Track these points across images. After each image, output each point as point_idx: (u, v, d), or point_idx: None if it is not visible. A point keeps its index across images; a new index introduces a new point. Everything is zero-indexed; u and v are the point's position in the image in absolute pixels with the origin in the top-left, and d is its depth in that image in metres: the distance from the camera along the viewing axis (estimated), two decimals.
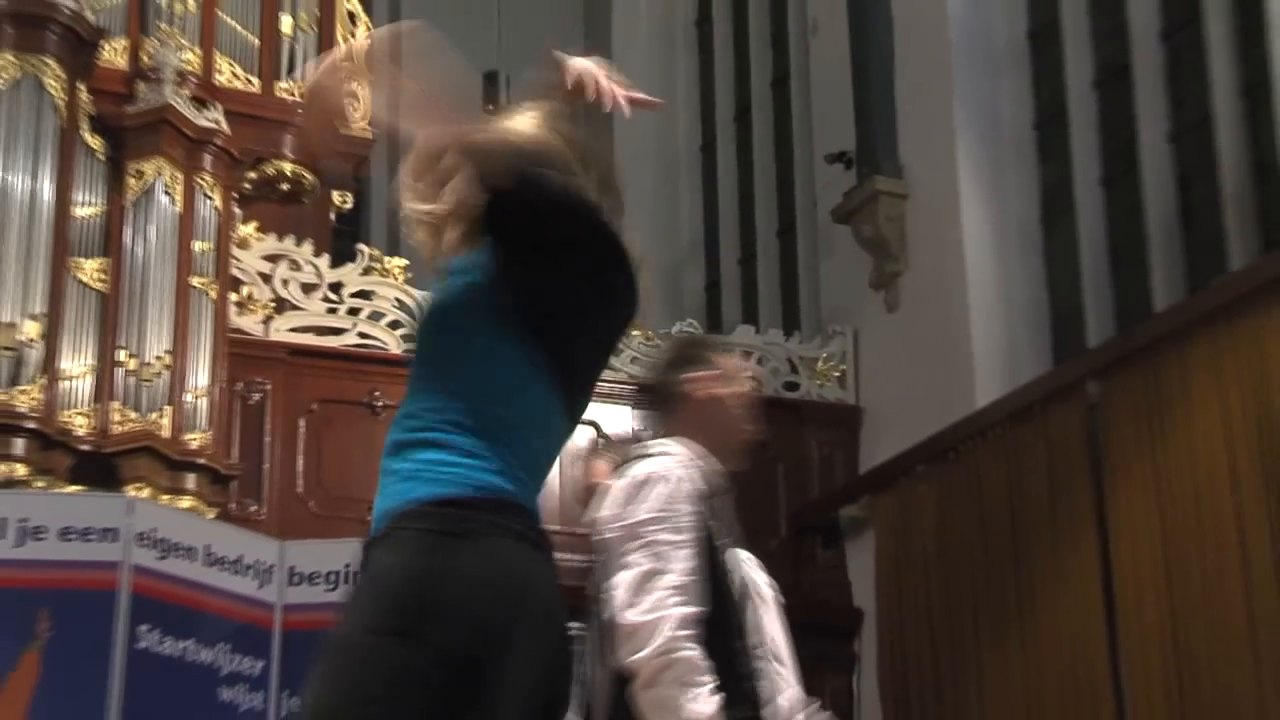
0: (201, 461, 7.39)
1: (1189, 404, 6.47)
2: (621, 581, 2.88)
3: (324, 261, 8.17)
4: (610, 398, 8.47)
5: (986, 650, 7.26)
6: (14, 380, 7.09)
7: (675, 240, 10.81)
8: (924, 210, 8.37)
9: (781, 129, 10.31)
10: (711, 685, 2.83)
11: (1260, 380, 6.17)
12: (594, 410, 8.31)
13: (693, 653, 2.83)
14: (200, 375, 7.50)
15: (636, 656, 2.83)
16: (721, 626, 2.96)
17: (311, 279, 8.11)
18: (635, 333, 8.74)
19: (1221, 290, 6.53)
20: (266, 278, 8.09)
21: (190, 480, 7.35)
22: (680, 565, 2.89)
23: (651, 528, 2.90)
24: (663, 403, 3.11)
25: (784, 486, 8.61)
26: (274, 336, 7.93)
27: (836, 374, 8.83)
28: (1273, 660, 5.94)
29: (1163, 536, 6.47)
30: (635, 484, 2.96)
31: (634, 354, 8.69)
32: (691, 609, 2.88)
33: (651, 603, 2.84)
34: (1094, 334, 7.68)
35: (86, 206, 7.59)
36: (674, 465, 3.00)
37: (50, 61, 7.50)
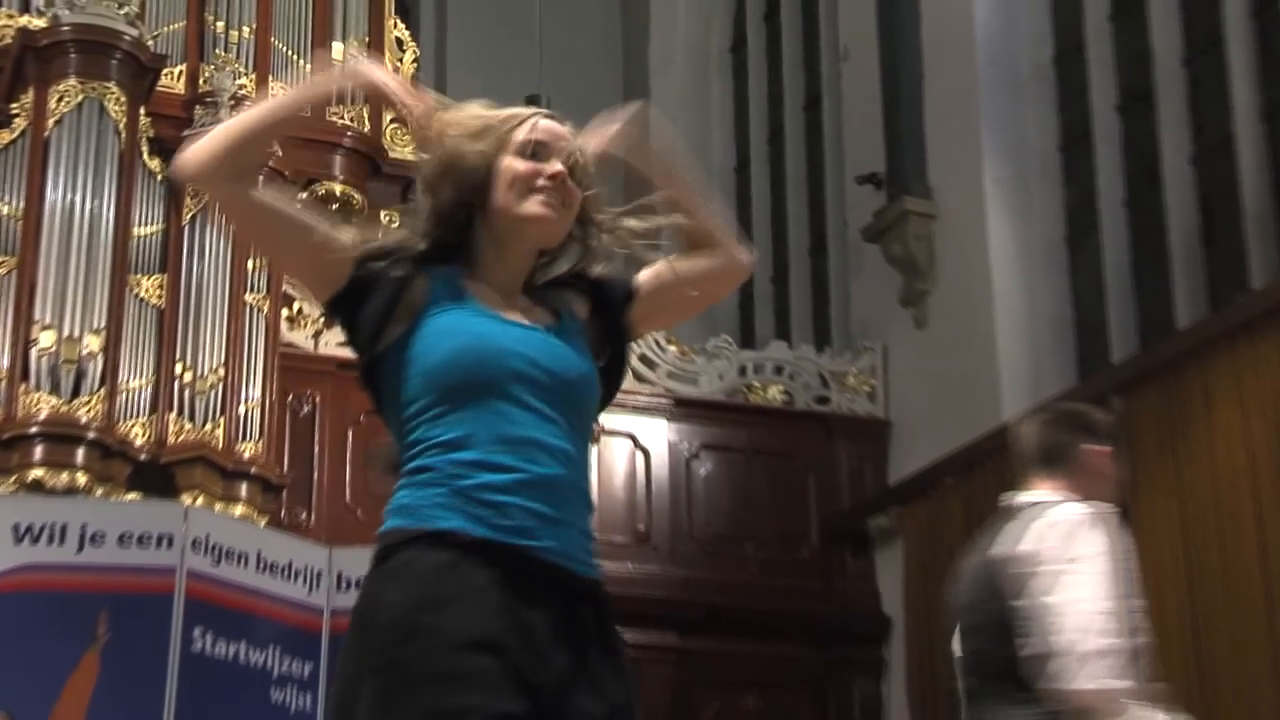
0: (254, 471, 7.42)
1: (1210, 418, 6.43)
2: (1045, 613, 3.03)
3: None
4: (647, 410, 8.48)
5: None
6: (76, 392, 7.11)
7: None
8: (952, 230, 8.36)
9: (813, 151, 10.29)
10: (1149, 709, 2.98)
11: None
12: (631, 422, 8.32)
13: (1124, 683, 2.97)
14: (253, 388, 7.52)
15: (1072, 687, 2.97)
16: None
17: None
18: (670, 347, 8.74)
19: (1242, 307, 6.51)
20: None
21: (243, 489, 7.37)
22: (1099, 596, 3.03)
23: (1077, 564, 3.06)
24: (1054, 458, 3.29)
25: (815, 497, 8.61)
26: (323, 351, 7.93)
27: (866, 388, 8.81)
28: None
29: (1185, 547, 6.43)
30: (1059, 524, 3.12)
31: (670, 368, 8.71)
32: (1113, 641, 3.00)
33: (1080, 636, 2.99)
34: (1117, 349, 7.65)
35: (146, 225, 7.64)
36: (1088, 511, 3.16)
37: (113, 87, 7.56)
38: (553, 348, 2.15)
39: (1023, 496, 3.28)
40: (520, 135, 2.19)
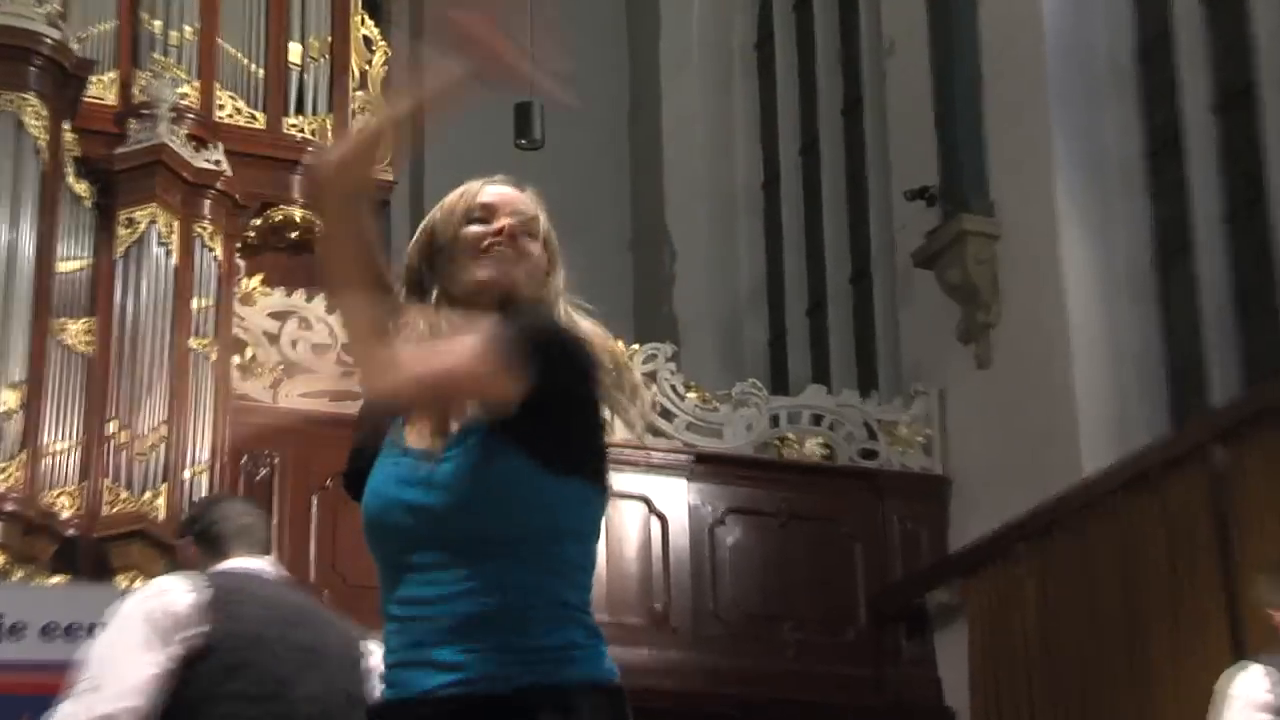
0: None
1: None
2: None
3: (337, 318, 8.18)
4: (663, 469, 8.47)
5: None
6: None
7: (733, 290, 10.80)
8: (1019, 252, 8.37)
9: (854, 162, 10.33)
10: None
11: None
12: (645, 482, 8.30)
13: None
14: (200, 449, 7.56)
15: None
16: None
17: (324, 339, 8.12)
18: (690, 394, 8.72)
19: None
20: (273, 338, 8.13)
21: None
22: None
23: None
24: None
25: (862, 569, 8.63)
26: (283, 403, 7.97)
27: (920, 439, 8.83)
28: None
29: None
30: None
31: (689, 419, 8.67)
32: None
33: None
34: (1219, 391, 7.64)
35: (72, 260, 7.68)
36: None
37: (31, 98, 7.60)
38: (435, 475, 2.31)
39: None
40: (463, 206, 2.43)
